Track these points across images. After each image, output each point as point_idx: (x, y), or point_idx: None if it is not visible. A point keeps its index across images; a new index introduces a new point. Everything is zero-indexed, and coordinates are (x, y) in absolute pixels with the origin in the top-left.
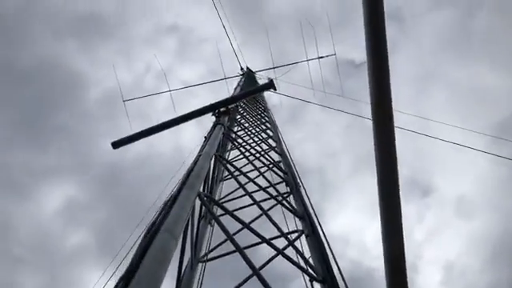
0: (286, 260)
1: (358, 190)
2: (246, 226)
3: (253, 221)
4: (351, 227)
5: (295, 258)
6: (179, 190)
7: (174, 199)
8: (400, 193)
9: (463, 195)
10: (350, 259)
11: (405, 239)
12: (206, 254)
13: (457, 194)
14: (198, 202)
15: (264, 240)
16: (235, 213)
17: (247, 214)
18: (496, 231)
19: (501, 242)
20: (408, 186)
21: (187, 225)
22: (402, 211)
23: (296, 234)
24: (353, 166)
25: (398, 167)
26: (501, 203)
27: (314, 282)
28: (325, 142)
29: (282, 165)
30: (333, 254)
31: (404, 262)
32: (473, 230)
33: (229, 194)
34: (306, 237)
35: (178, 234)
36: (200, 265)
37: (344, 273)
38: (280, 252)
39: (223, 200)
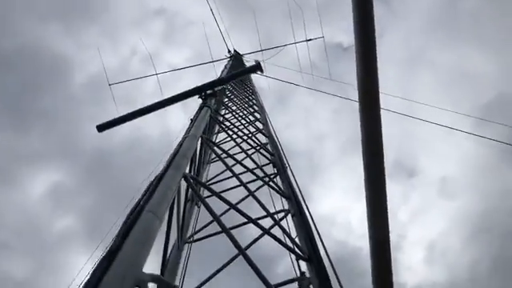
0: (272, 241)
1: (345, 172)
2: (233, 206)
3: (239, 202)
4: (338, 208)
5: (282, 238)
6: (164, 171)
7: (158, 180)
8: (385, 174)
9: (447, 176)
10: (335, 239)
11: (390, 220)
12: (192, 235)
13: (441, 175)
14: (184, 184)
15: (250, 220)
16: (222, 194)
17: (234, 197)
18: (477, 211)
19: (482, 221)
20: (394, 167)
21: (173, 206)
22: (388, 192)
23: (282, 214)
24: (340, 149)
25: (384, 149)
26: (483, 184)
27: (299, 261)
28: (313, 126)
29: (269, 147)
30: (318, 232)
31: (388, 242)
32: (455, 210)
33: (215, 176)
34: (292, 216)
35: (162, 214)
36: (186, 245)
37: (329, 251)
38: (266, 231)
39: (210, 182)
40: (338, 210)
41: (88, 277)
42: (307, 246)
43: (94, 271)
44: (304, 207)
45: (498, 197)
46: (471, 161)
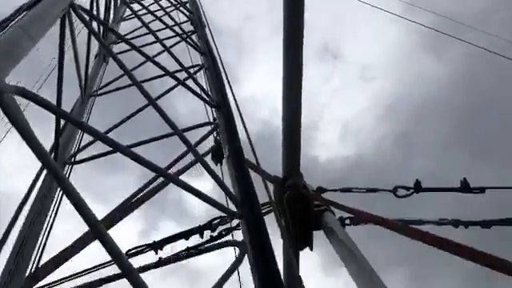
0: (186, 97)
1: (275, 53)
2: (151, 59)
3: (156, 55)
4: (265, 89)
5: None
6: None
7: (35, 2)
8: (303, 53)
9: (370, 59)
10: (262, 119)
11: (309, 99)
12: (97, 89)
13: (365, 58)
14: (93, 40)
15: (166, 72)
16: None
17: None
18: (393, 93)
19: (395, 103)
20: (320, 49)
21: (63, 44)
22: (309, 73)
23: (197, 68)
24: (271, 29)
25: (310, 30)
26: (404, 68)
27: (212, 109)
28: (243, 2)
29: (188, 5)
30: (229, 82)
31: (299, 119)
32: (373, 92)
33: (130, 32)
34: (205, 70)
35: (36, 36)
36: (91, 99)
37: (254, 130)
38: (181, 82)
39: (126, 37)
40: (265, 91)
41: None
42: (217, 96)
43: None
44: (218, 61)
45: (413, 81)
46: (395, 45)
